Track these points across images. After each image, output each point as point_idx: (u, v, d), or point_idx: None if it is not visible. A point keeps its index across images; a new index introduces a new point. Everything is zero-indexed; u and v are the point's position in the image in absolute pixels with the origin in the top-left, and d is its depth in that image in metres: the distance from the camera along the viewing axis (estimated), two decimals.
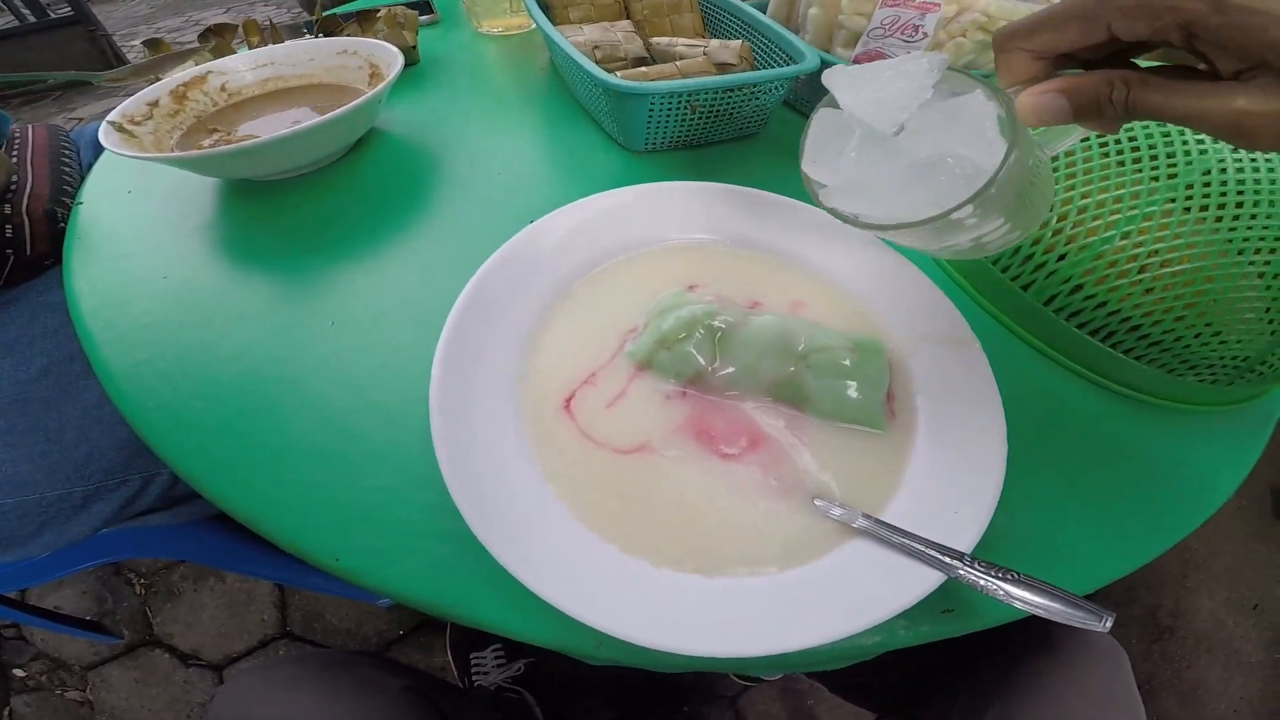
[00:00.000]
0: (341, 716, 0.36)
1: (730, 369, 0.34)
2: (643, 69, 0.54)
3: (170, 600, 0.95)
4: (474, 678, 0.81)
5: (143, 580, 0.97)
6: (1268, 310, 0.35)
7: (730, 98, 0.51)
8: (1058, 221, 0.38)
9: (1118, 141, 0.37)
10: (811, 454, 0.32)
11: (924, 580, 0.27)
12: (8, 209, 0.49)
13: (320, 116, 0.44)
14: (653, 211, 0.42)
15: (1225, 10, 0.18)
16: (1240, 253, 0.34)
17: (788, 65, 0.53)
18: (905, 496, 0.31)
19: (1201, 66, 0.21)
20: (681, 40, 0.58)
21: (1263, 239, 0.34)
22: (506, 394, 0.33)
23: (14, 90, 2.30)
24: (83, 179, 0.52)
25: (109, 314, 0.39)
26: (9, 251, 0.48)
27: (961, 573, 0.26)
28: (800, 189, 0.32)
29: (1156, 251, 0.35)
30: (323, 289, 0.41)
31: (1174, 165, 0.35)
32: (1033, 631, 0.38)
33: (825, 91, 0.29)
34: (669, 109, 0.50)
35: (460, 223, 0.47)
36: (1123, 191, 0.36)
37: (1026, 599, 0.25)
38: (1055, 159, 0.39)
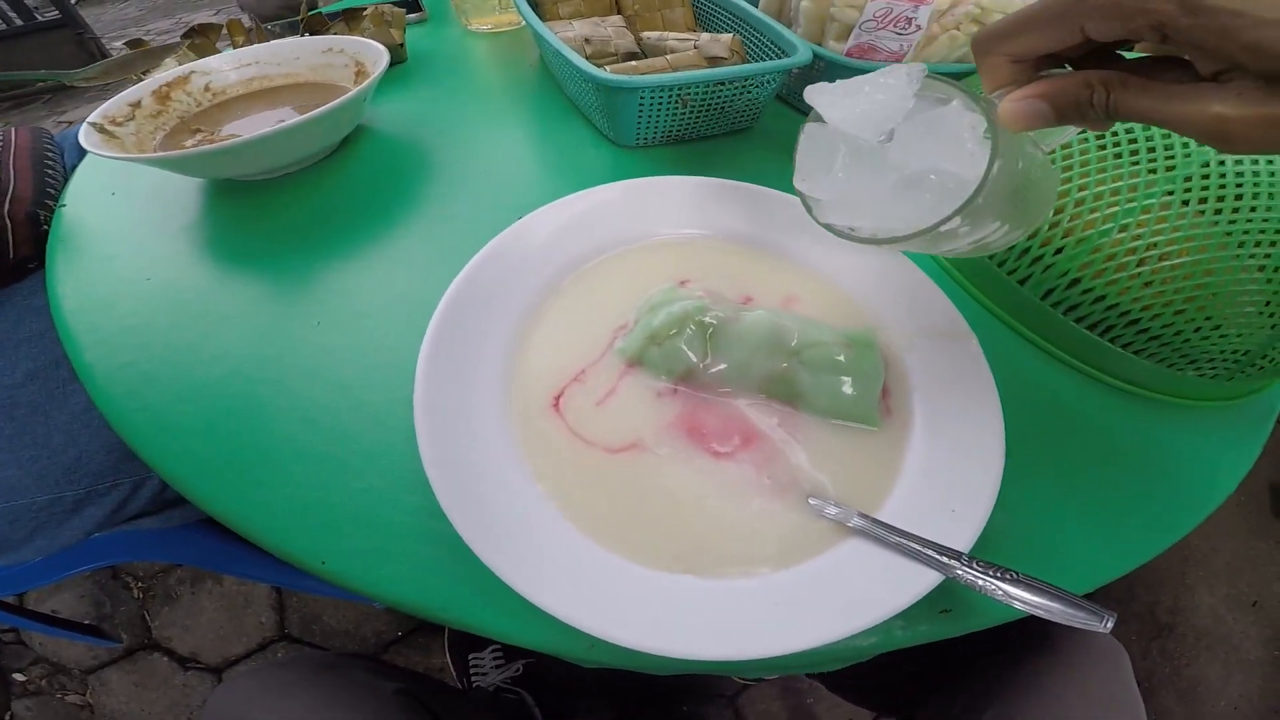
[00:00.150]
0: None
1: (722, 365, 0.33)
2: (632, 63, 0.53)
3: (168, 604, 0.95)
4: (472, 679, 0.81)
5: (140, 584, 0.96)
6: (1268, 304, 0.35)
7: (721, 91, 0.51)
8: (1054, 214, 0.38)
9: (1115, 134, 0.37)
10: (806, 452, 0.32)
11: (921, 580, 0.26)
12: None
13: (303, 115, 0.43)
14: (643, 206, 0.42)
15: (1195, 11, 0.18)
16: (1240, 246, 0.34)
17: (780, 59, 0.52)
18: (901, 495, 0.31)
19: (1187, 56, 0.21)
20: (672, 35, 0.57)
21: (1263, 232, 0.34)
22: (494, 392, 0.32)
23: (1, 94, 2.28)
24: (66, 181, 0.51)
25: (92, 317, 0.39)
26: None
27: (959, 573, 0.26)
28: (792, 183, 0.32)
29: (1155, 245, 0.35)
30: (309, 289, 0.41)
31: (1172, 157, 0.35)
32: (1032, 631, 0.37)
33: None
34: (660, 103, 0.50)
35: (448, 221, 0.47)
36: (1120, 184, 0.36)
37: (1025, 599, 0.25)
38: (1053, 153, 0.38)
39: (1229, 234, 0.34)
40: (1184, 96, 0.20)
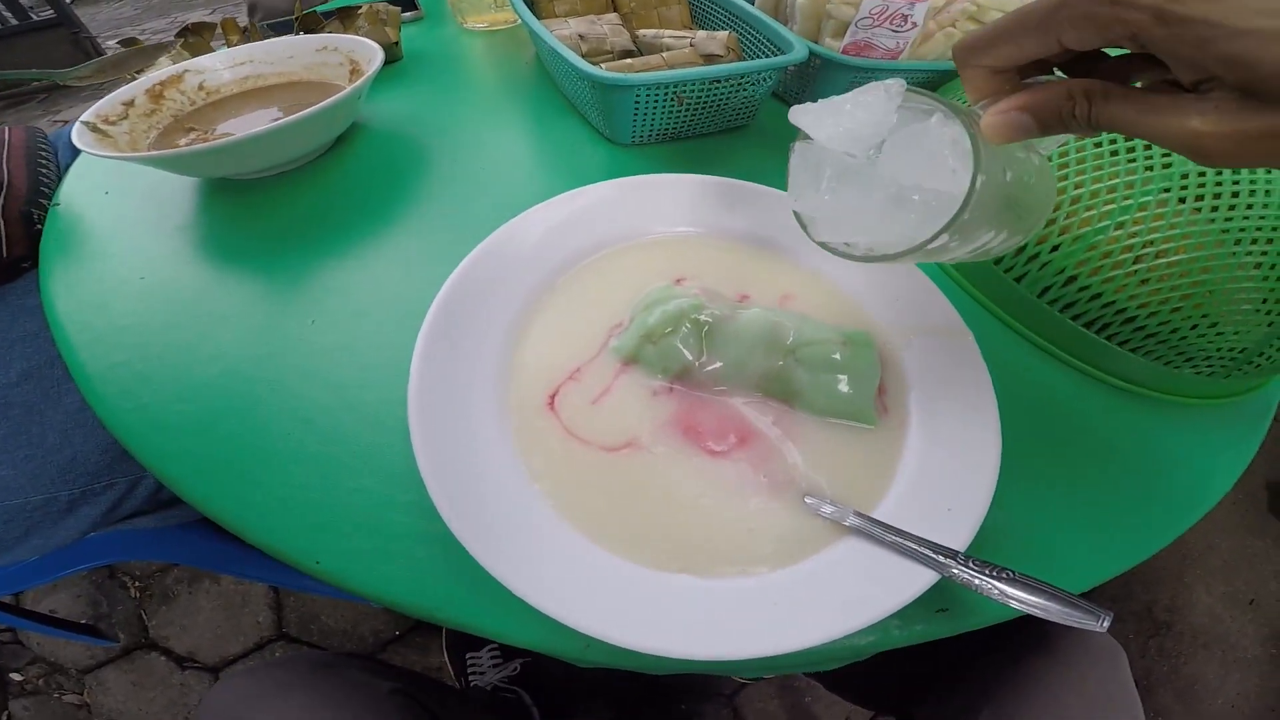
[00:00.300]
0: None
1: (718, 364, 0.33)
2: (628, 61, 0.53)
3: (165, 603, 0.95)
4: (470, 678, 0.81)
5: (137, 583, 0.96)
6: (1264, 301, 0.35)
7: (717, 89, 0.50)
8: (1051, 211, 0.38)
9: None
10: (802, 450, 0.32)
11: (917, 579, 0.26)
12: None
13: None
14: (639, 204, 0.41)
15: (1168, 22, 0.17)
16: (1237, 243, 0.34)
17: (776, 56, 0.52)
18: (898, 493, 0.30)
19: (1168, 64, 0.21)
20: (669, 32, 0.57)
21: (1259, 229, 0.33)
22: (488, 391, 0.32)
23: None
24: (60, 180, 0.51)
25: (86, 316, 0.38)
26: None
27: (955, 572, 0.26)
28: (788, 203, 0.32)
29: (1151, 242, 0.35)
30: (304, 288, 0.41)
31: (1168, 154, 0.35)
32: (1030, 630, 0.37)
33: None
34: (655, 101, 0.50)
35: (444, 219, 0.47)
36: (1116, 181, 0.36)
37: (1022, 598, 0.25)
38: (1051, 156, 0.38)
39: (1226, 231, 0.34)
40: (1162, 109, 0.19)
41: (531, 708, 0.78)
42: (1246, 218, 0.33)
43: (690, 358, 0.33)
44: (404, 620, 0.92)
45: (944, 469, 0.31)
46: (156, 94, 0.51)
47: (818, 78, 0.55)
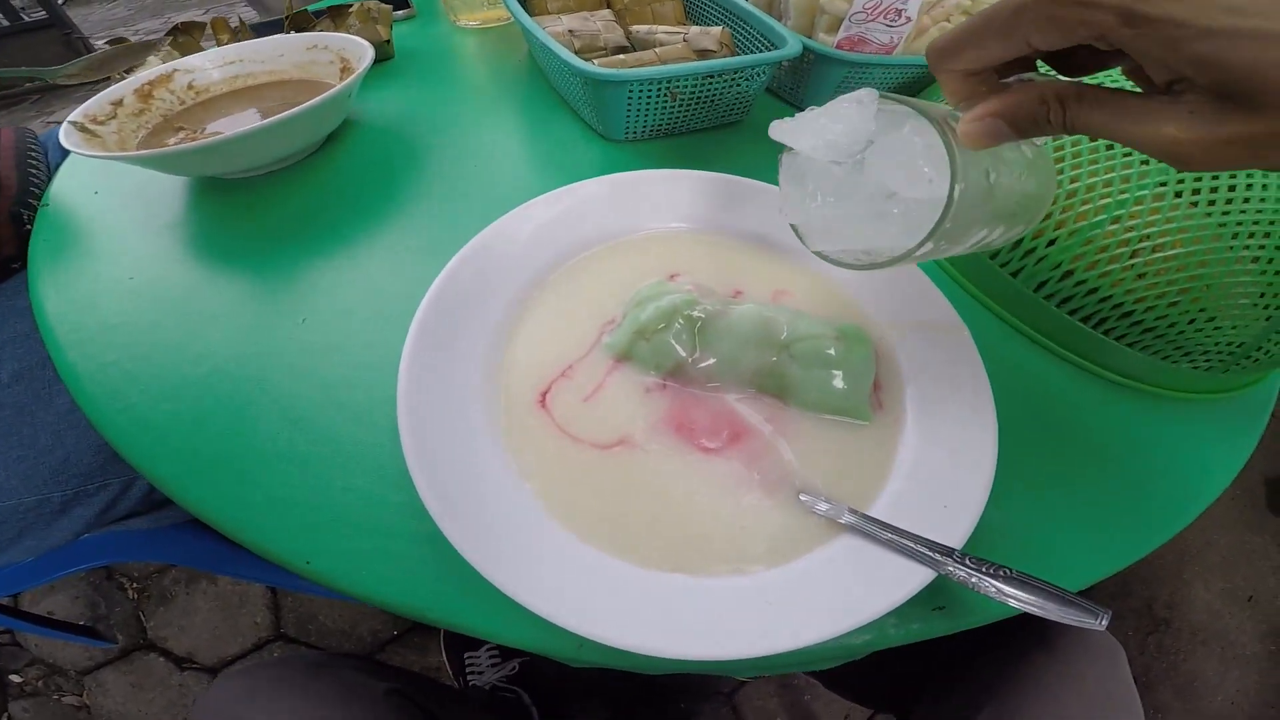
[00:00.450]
0: None
1: (711, 360, 0.33)
2: (621, 57, 0.53)
3: (163, 604, 0.94)
4: (469, 677, 0.81)
5: (135, 584, 0.96)
6: (1262, 295, 0.34)
7: (711, 84, 0.50)
8: (1053, 198, 0.37)
9: None
10: (796, 447, 0.31)
11: (914, 577, 0.26)
12: None
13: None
14: (632, 200, 0.41)
15: (1134, 22, 0.17)
16: (1234, 237, 0.33)
17: (770, 51, 0.52)
18: (893, 490, 0.30)
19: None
20: (662, 28, 0.57)
21: (1256, 223, 0.33)
22: (479, 389, 0.32)
23: None
24: (50, 180, 0.51)
25: (75, 316, 0.38)
26: None
27: (952, 570, 0.26)
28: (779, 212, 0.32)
29: (1148, 236, 0.34)
30: (294, 286, 0.41)
31: None
32: (1030, 628, 0.37)
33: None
34: (648, 97, 0.49)
35: (435, 217, 0.46)
36: (1113, 175, 0.35)
37: (1019, 597, 0.25)
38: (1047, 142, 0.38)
39: (1222, 225, 0.33)
40: (1137, 115, 0.19)
41: (530, 707, 0.78)
42: (1244, 212, 0.33)
43: (683, 354, 0.33)
44: (402, 620, 0.92)
45: (940, 466, 0.30)
46: (145, 93, 0.51)
47: (811, 73, 0.55)
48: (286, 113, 0.42)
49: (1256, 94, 0.16)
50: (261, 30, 0.63)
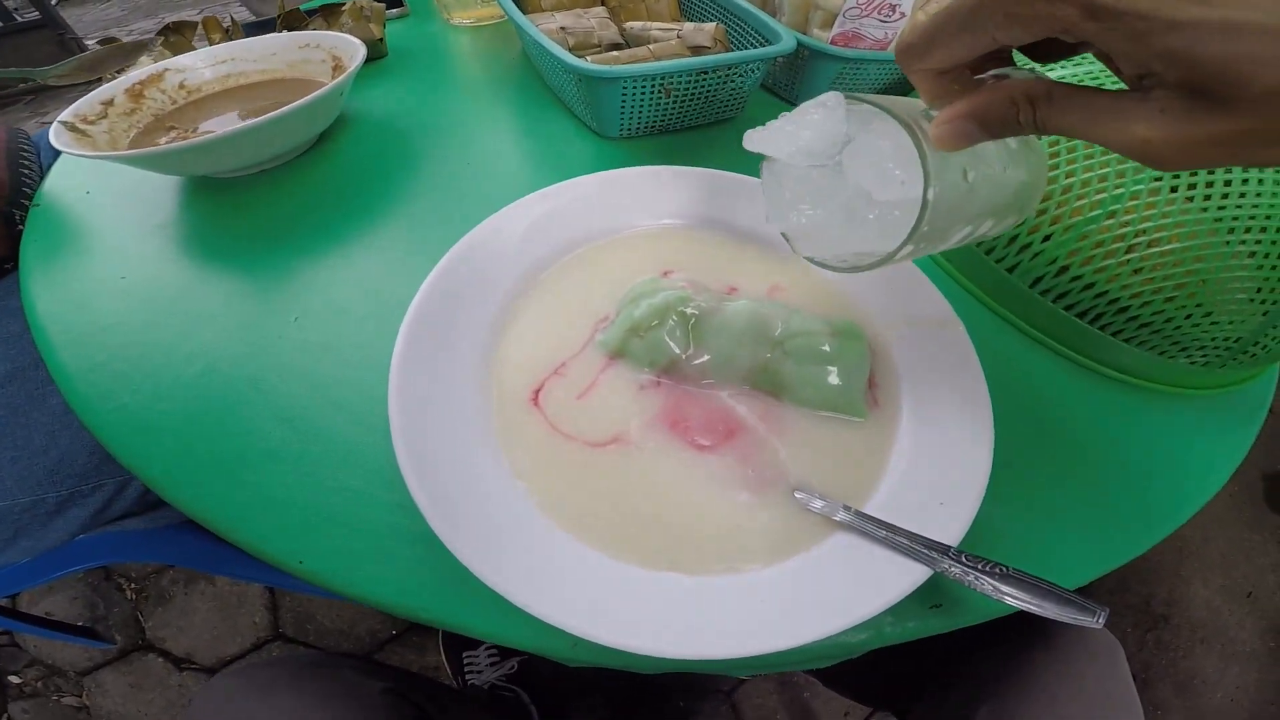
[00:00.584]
0: None
1: (705, 356, 0.33)
2: (614, 53, 0.53)
3: (162, 604, 0.94)
4: (467, 677, 0.81)
5: (133, 585, 0.96)
6: (1259, 290, 0.34)
7: (705, 80, 0.50)
8: (1042, 201, 0.37)
9: None
10: (791, 444, 0.31)
11: (910, 575, 0.26)
12: None
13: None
14: (625, 197, 0.41)
15: (1098, 15, 0.16)
16: (1230, 232, 0.33)
17: (764, 47, 0.51)
18: (889, 488, 0.30)
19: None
20: (656, 25, 0.57)
21: (1252, 218, 0.33)
22: (471, 387, 0.31)
23: None
24: (42, 180, 0.51)
25: (67, 316, 0.38)
26: None
27: (948, 567, 0.26)
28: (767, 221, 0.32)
29: (1144, 231, 0.34)
30: (286, 285, 0.40)
31: None
32: (1028, 626, 0.37)
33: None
34: (642, 93, 0.49)
35: (428, 216, 0.46)
36: (1108, 170, 0.35)
37: (1016, 595, 0.25)
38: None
39: (1219, 220, 0.33)
40: (1108, 115, 0.18)
41: (530, 706, 0.78)
42: (1239, 206, 0.33)
43: (677, 350, 0.33)
44: (400, 620, 0.92)
45: (936, 463, 0.30)
46: (136, 93, 0.50)
47: (806, 69, 0.54)
48: (277, 111, 0.42)
49: (1228, 90, 0.16)
50: (253, 30, 0.63)
